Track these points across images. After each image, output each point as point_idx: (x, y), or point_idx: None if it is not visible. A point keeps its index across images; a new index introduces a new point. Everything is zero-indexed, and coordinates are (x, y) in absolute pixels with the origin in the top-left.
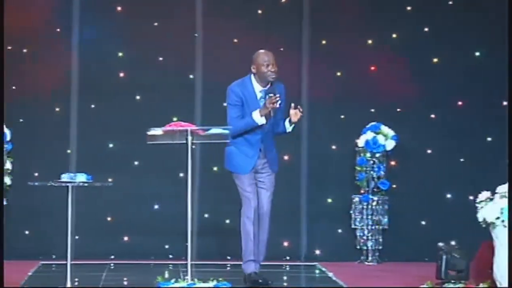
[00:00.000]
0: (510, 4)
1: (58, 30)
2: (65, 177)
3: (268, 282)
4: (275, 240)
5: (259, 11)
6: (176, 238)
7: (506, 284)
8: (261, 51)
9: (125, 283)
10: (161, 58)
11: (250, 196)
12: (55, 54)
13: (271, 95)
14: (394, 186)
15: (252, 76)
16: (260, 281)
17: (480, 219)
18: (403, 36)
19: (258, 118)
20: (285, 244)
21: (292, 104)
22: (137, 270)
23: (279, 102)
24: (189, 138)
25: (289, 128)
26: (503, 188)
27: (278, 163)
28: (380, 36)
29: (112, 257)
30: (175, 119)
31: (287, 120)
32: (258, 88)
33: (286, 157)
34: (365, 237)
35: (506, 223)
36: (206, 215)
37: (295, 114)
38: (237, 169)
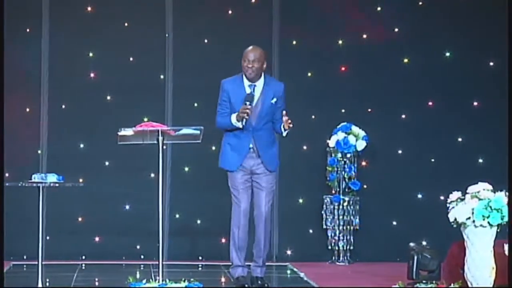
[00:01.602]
0: (510, 4)
1: (28, 30)
2: (36, 178)
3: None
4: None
5: (230, 11)
6: (147, 239)
7: (476, 284)
8: (250, 47)
9: (97, 283)
10: (131, 59)
11: (239, 196)
12: (25, 54)
13: (247, 102)
14: (365, 186)
15: (243, 74)
16: (246, 285)
17: (451, 219)
18: (373, 37)
19: (235, 121)
20: None
21: (284, 112)
22: (109, 270)
23: (249, 111)
24: (160, 138)
25: (283, 133)
26: (473, 188)
27: (277, 160)
28: (350, 36)
29: (83, 257)
30: (146, 119)
31: (282, 124)
32: (247, 83)
33: None
34: (336, 237)
35: (476, 223)
36: (177, 216)
37: (286, 122)
38: (226, 165)
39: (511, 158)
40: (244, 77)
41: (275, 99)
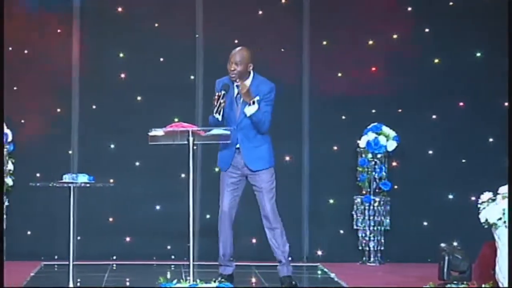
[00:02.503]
0: (510, 4)
1: (59, 31)
2: (67, 178)
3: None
4: None
5: (260, 12)
6: (178, 239)
7: (508, 285)
8: (235, 49)
9: (127, 284)
10: (162, 59)
11: (222, 197)
12: (56, 55)
13: (223, 91)
14: (395, 187)
15: None
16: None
17: (482, 220)
18: (404, 37)
19: (215, 114)
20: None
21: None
22: (139, 271)
23: (221, 99)
24: (191, 139)
25: (247, 110)
26: (505, 189)
27: (266, 160)
28: (381, 37)
29: (114, 258)
30: (176, 119)
31: None
32: (235, 84)
33: (287, 158)
34: (367, 238)
35: (508, 223)
36: (208, 216)
37: (240, 88)
38: (219, 164)
39: (511, 158)
40: None
41: (257, 97)
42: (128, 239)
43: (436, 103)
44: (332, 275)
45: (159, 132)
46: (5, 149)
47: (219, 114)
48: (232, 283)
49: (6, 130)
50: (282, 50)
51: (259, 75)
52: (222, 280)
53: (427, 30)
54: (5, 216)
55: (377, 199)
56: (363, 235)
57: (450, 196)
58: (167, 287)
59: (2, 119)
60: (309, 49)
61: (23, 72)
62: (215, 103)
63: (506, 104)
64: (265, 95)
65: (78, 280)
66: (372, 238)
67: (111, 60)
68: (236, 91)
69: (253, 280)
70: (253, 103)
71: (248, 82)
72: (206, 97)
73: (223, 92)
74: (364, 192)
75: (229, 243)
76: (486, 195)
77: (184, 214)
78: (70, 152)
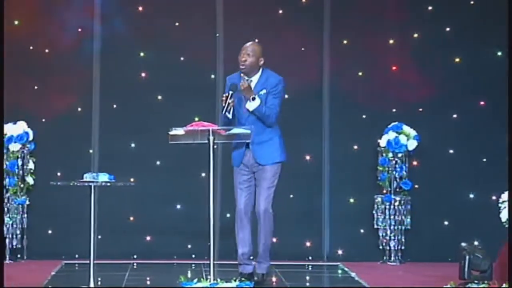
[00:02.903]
0: (510, 4)
1: (80, 30)
2: (87, 177)
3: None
4: (298, 240)
5: (280, 11)
6: (198, 238)
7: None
8: (247, 43)
9: (148, 283)
10: (182, 58)
11: (237, 195)
12: (76, 54)
13: (230, 92)
14: (416, 186)
15: None
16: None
17: (503, 219)
18: (425, 36)
19: (224, 112)
20: (308, 244)
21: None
22: (160, 270)
23: (229, 100)
24: (211, 138)
25: (248, 106)
26: None
27: (276, 155)
28: (401, 36)
29: (135, 256)
30: (196, 119)
31: None
32: (245, 78)
33: (307, 157)
34: (387, 237)
35: None
36: (228, 215)
37: (241, 85)
38: (232, 161)
39: (511, 158)
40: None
41: (264, 91)
42: (148, 238)
43: (456, 102)
44: (353, 274)
45: (179, 131)
46: (26, 148)
47: (229, 113)
48: (252, 282)
49: (27, 129)
50: (303, 49)
51: (269, 70)
52: (242, 279)
53: (447, 29)
54: (25, 215)
55: (398, 198)
56: (384, 234)
57: (471, 196)
58: (187, 287)
59: (2, 119)
60: (329, 48)
61: (43, 71)
62: (224, 104)
63: None
64: (273, 88)
65: (99, 279)
66: (392, 238)
67: (132, 59)
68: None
69: (273, 279)
70: (253, 99)
71: (256, 77)
72: None
73: (230, 92)
74: (384, 191)
75: (248, 241)
76: (507, 194)
77: (205, 213)
78: (90, 151)
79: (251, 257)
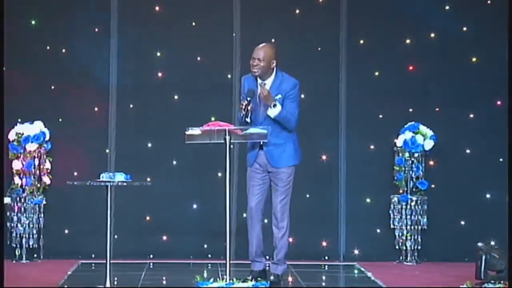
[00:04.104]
0: (510, 4)
1: (97, 30)
2: (104, 177)
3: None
4: (314, 240)
5: (297, 11)
6: (214, 238)
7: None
8: (259, 45)
9: (164, 282)
10: (199, 58)
11: (249, 194)
12: (93, 54)
13: (248, 98)
14: (433, 186)
15: None
16: (258, 278)
17: None
18: (441, 36)
19: (242, 119)
20: (324, 244)
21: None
22: (176, 269)
23: (248, 107)
24: (227, 137)
25: (269, 113)
26: None
27: (290, 158)
28: (418, 35)
29: (151, 256)
30: (213, 118)
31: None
32: (259, 81)
33: (324, 157)
34: (404, 237)
35: None
36: (244, 215)
37: (260, 93)
38: (247, 160)
39: (511, 158)
40: None
41: (279, 95)
42: (165, 237)
43: (473, 102)
44: (369, 274)
45: (196, 131)
46: (42, 148)
47: (248, 117)
48: (268, 282)
49: (44, 129)
50: (319, 49)
51: (283, 72)
52: (258, 278)
53: (464, 28)
54: (42, 215)
55: (414, 198)
56: (400, 234)
57: (488, 195)
58: (203, 286)
59: (2, 119)
60: (346, 48)
61: (60, 71)
62: (243, 111)
63: None
64: (288, 93)
65: (115, 278)
66: (409, 237)
67: (148, 59)
68: (258, 89)
69: (290, 279)
70: (274, 106)
71: (270, 80)
72: None
73: (249, 99)
74: (401, 191)
75: (258, 240)
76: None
77: (221, 213)
78: (107, 151)
79: (264, 254)
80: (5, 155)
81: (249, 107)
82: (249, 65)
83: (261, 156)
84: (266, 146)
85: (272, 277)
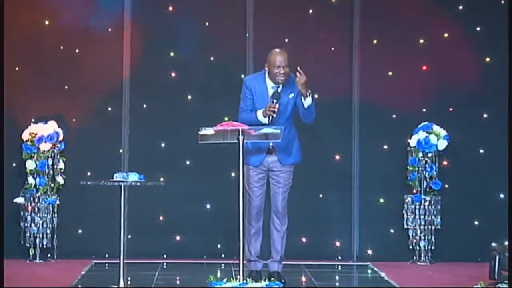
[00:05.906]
0: (510, 4)
1: (110, 30)
2: (117, 177)
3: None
4: (327, 240)
5: (310, 11)
6: (228, 238)
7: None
8: (276, 50)
9: (178, 282)
10: (212, 58)
11: (253, 193)
12: (107, 54)
13: (274, 100)
14: (446, 186)
15: (266, 72)
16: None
17: None
18: (455, 36)
19: (261, 117)
20: (337, 244)
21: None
22: (189, 269)
23: (276, 109)
24: (241, 137)
25: (305, 103)
26: None
27: (296, 155)
28: (431, 35)
29: (165, 256)
30: (226, 118)
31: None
32: (270, 84)
33: (337, 157)
34: (417, 237)
35: None
36: None
37: (298, 80)
38: (248, 161)
39: (511, 158)
40: (266, 76)
41: (292, 94)
42: (178, 237)
43: (487, 102)
44: (382, 274)
45: (209, 131)
46: (56, 148)
47: (268, 119)
48: (282, 282)
49: (57, 129)
50: (332, 49)
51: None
52: (271, 278)
53: (478, 28)
54: (56, 215)
55: (428, 198)
56: (414, 234)
57: (501, 195)
58: (217, 287)
59: (2, 119)
60: (359, 48)
61: (74, 71)
62: (273, 114)
63: None
64: (298, 89)
65: (129, 278)
66: (422, 238)
67: (162, 59)
68: (271, 91)
69: (303, 279)
70: (309, 94)
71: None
72: None
73: (275, 101)
74: (414, 191)
75: (259, 239)
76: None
77: (234, 213)
78: (120, 151)
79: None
80: (12, 155)
81: (276, 110)
82: (272, 73)
83: (270, 157)
84: (278, 144)
85: (275, 275)
